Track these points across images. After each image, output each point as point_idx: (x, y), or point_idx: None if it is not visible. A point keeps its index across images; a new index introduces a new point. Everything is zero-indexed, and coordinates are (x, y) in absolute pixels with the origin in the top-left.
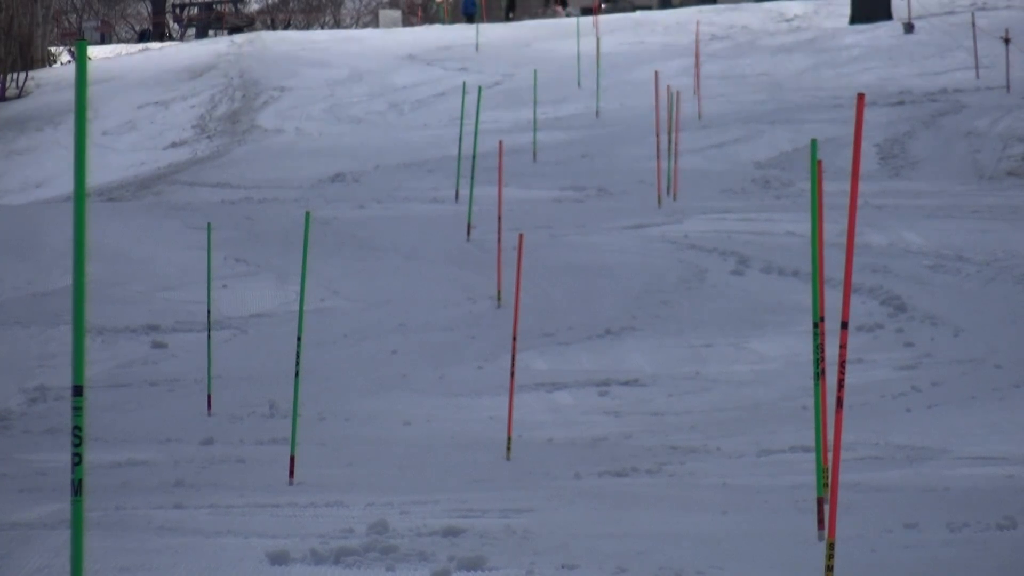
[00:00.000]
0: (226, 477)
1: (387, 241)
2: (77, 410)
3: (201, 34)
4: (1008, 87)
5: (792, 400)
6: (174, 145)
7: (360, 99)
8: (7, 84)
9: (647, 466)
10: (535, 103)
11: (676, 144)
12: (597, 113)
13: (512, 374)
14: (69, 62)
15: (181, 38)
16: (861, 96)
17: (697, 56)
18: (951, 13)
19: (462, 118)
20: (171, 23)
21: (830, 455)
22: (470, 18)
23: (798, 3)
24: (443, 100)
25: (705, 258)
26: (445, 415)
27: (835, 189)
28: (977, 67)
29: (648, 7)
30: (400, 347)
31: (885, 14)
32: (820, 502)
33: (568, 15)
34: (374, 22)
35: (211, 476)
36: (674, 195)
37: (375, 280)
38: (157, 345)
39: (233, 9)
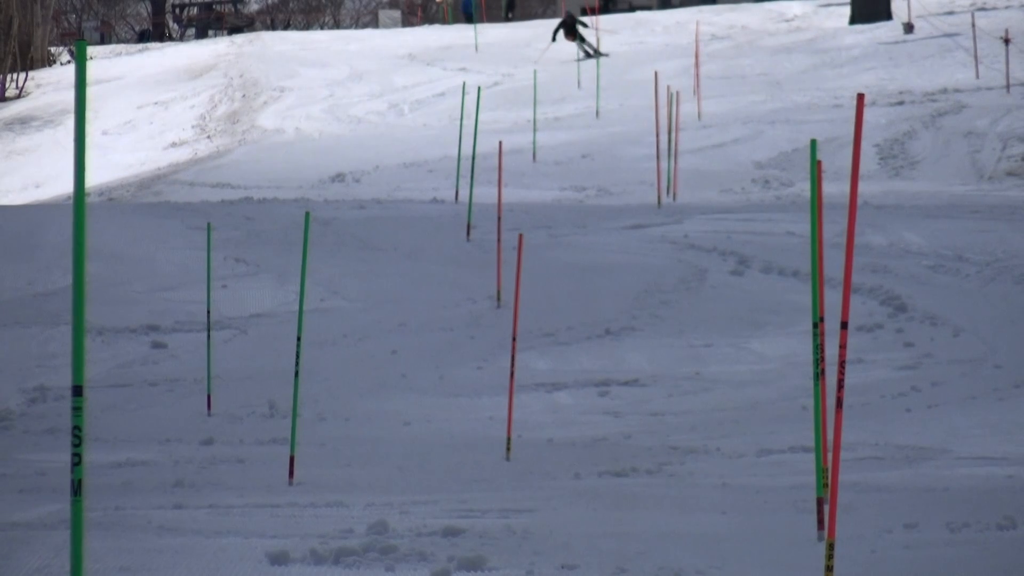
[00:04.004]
0: (226, 477)
1: (387, 241)
2: (77, 410)
3: (201, 34)
4: (1008, 87)
5: (792, 400)
6: (174, 145)
7: (360, 99)
8: (7, 84)
9: (647, 466)
10: (535, 103)
11: (676, 144)
12: (597, 113)
13: (512, 374)
14: (69, 62)
15: (181, 38)
16: (861, 96)
17: (697, 56)
18: (951, 13)
19: (462, 118)
20: (171, 23)
21: (830, 455)
22: (469, 18)
23: (798, 3)
24: (443, 100)
25: (705, 258)
26: (445, 415)
27: (835, 189)
28: (977, 67)
29: (648, 7)
30: (400, 347)
31: (885, 14)
32: (820, 502)
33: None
34: (374, 22)
35: (211, 476)
36: (674, 195)
37: (375, 280)
38: (157, 345)
39: (233, 9)
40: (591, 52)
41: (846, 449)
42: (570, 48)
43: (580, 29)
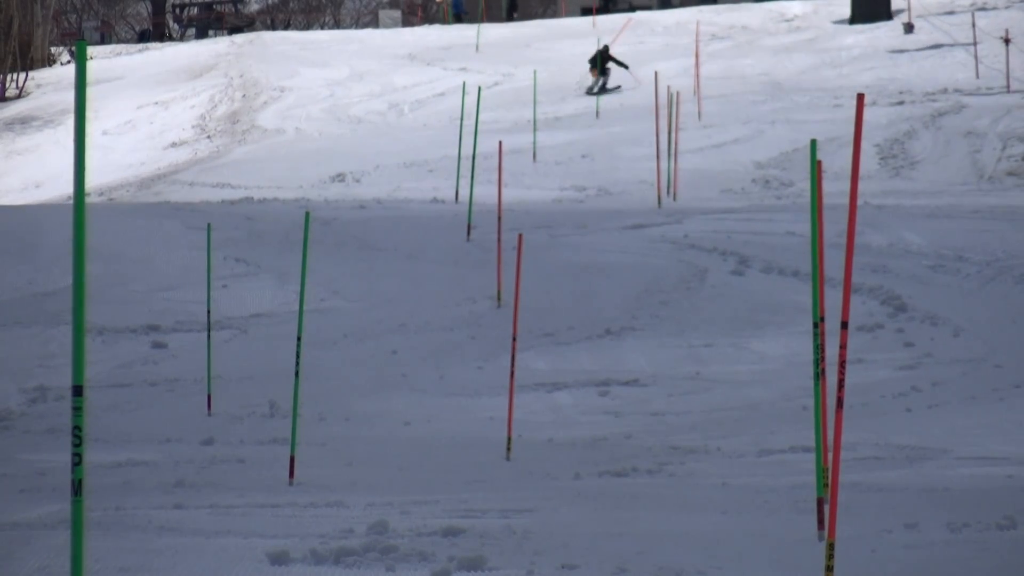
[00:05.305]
0: (226, 477)
1: (387, 241)
2: (77, 410)
3: (201, 34)
4: (1008, 87)
5: (792, 400)
6: (174, 145)
7: (360, 99)
8: (7, 84)
9: (647, 466)
10: (535, 103)
11: (676, 144)
12: (597, 113)
13: (512, 374)
14: (69, 62)
15: (181, 38)
16: (861, 96)
17: (697, 56)
18: (951, 13)
19: (462, 118)
20: (171, 23)
21: (830, 455)
22: (459, 18)
23: (798, 3)
24: (443, 100)
25: (705, 258)
26: (445, 415)
27: (835, 189)
28: (977, 67)
29: (648, 7)
30: (400, 347)
31: (885, 14)
32: (820, 502)
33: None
34: (374, 22)
35: (211, 476)
36: (674, 195)
37: (375, 280)
38: (157, 345)
39: (233, 9)
40: (598, 89)
41: (846, 449)
42: (570, 48)
43: (611, 65)
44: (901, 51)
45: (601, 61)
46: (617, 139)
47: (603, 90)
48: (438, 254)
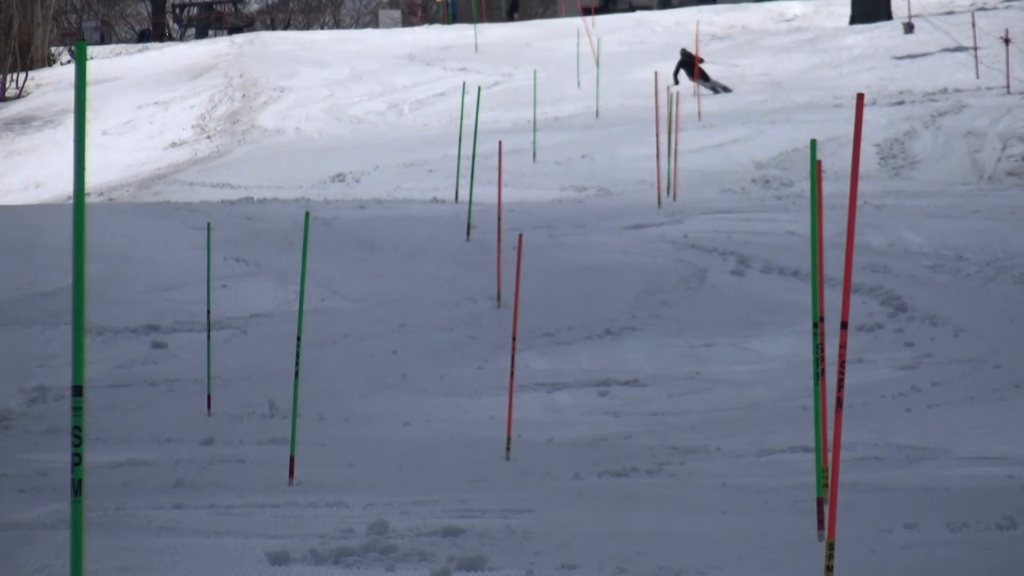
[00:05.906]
0: (226, 477)
1: (387, 241)
2: (77, 410)
3: (201, 34)
4: (1008, 87)
5: (792, 400)
6: (174, 145)
7: (360, 99)
8: (7, 84)
9: (647, 466)
10: (535, 103)
11: (676, 144)
12: (597, 113)
13: (512, 374)
14: (69, 62)
15: (181, 38)
16: (861, 96)
17: (697, 56)
18: (951, 13)
19: (462, 118)
20: (171, 23)
21: (830, 455)
22: (453, 18)
23: (798, 3)
24: (443, 100)
25: (705, 258)
26: (445, 415)
27: (835, 189)
28: (977, 67)
29: (648, 7)
30: (400, 347)
31: (885, 14)
32: (820, 502)
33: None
34: (374, 22)
35: (211, 476)
36: (674, 195)
37: (375, 280)
38: (157, 345)
39: (233, 9)
40: (718, 88)
41: (846, 449)
42: (570, 48)
43: (701, 66)
44: (901, 51)
45: (691, 67)
46: (617, 139)
47: (724, 88)
48: (438, 254)
